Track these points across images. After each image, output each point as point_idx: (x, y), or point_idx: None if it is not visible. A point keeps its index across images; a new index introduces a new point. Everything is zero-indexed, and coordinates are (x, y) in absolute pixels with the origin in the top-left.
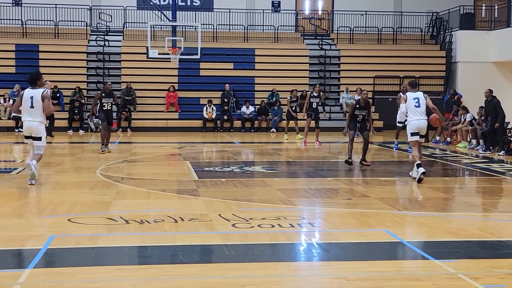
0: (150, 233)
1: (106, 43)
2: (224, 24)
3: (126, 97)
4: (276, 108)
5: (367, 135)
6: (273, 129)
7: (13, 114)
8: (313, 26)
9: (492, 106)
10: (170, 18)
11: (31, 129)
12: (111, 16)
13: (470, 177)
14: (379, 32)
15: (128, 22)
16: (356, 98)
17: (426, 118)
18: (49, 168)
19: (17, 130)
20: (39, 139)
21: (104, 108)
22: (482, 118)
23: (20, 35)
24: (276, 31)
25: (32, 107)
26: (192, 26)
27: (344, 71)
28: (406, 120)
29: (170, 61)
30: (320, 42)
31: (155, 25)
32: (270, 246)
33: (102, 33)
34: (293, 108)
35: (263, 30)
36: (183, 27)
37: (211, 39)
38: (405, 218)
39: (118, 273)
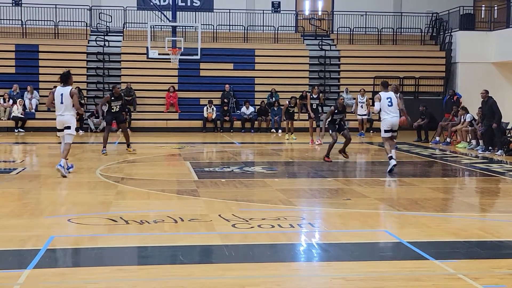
0: (150, 233)
1: (106, 43)
2: (224, 25)
3: (126, 98)
4: (276, 108)
5: (347, 133)
6: (278, 131)
7: (48, 107)
8: (313, 27)
9: (488, 107)
10: (170, 19)
11: (62, 122)
12: (111, 17)
13: (469, 178)
14: (379, 33)
15: (128, 23)
16: (359, 99)
17: (398, 115)
18: (49, 169)
19: (16, 131)
20: (69, 127)
21: (112, 111)
22: (482, 115)
23: (20, 35)
24: (276, 31)
25: (62, 103)
26: (192, 26)
27: (344, 72)
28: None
29: (170, 62)
30: (320, 43)
31: (155, 25)
32: (270, 247)
33: (102, 34)
34: (291, 111)
35: (263, 30)
36: (183, 27)
37: (211, 39)
38: (405, 218)
39: (118, 274)
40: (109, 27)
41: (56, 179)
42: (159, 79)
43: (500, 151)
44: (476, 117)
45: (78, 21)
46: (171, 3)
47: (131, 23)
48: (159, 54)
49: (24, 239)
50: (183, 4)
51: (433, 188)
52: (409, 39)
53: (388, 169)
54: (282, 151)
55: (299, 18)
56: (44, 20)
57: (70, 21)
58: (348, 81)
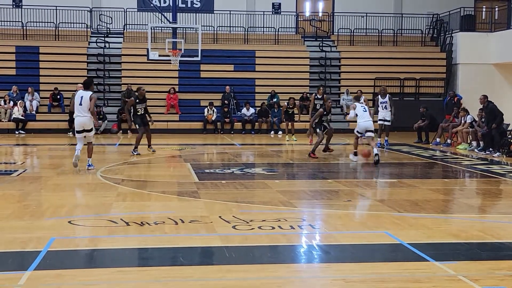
0: (151, 235)
1: (107, 45)
2: (224, 26)
3: (126, 99)
4: (276, 110)
5: (331, 132)
6: (278, 132)
7: (70, 111)
8: (313, 28)
9: (488, 111)
10: (171, 20)
11: (82, 124)
12: (111, 18)
13: (470, 179)
14: (380, 34)
15: (129, 24)
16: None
17: (372, 120)
18: (49, 170)
19: (17, 132)
20: (90, 130)
21: (138, 113)
22: (483, 120)
23: (20, 37)
24: (276, 33)
25: (80, 104)
26: (193, 28)
27: (344, 73)
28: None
29: (170, 63)
30: (321, 44)
31: (156, 27)
32: (270, 248)
33: (103, 35)
34: (290, 112)
35: (263, 32)
36: (184, 29)
37: (212, 41)
38: (405, 219)
39: (119, 275)
40: (109, 28)
41: (56, 181)
42: (159, 81)
43: (497, 153)
44: (477, 119)
45: (79, 23)
46: (171, 5)
47: (132, 24)
48: (159, 55)
49: (25, 241)
50: (184, 5)
51: (433, 189)
52: (410, 40)
53: (352, 162)
54: (282, 153)
55: (299, 19)
56: (45, 22)
57: (71, 22)
58: (348, 82)
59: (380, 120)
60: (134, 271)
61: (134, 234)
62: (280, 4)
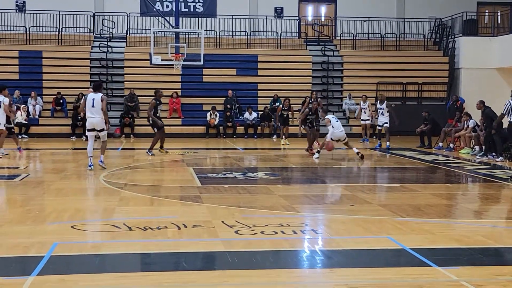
0: (153, 240)
1: (109, 49)
2: (227, 30)
3: (129, 103)
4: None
5: (316, 132)
6: (273, 136)
7: (81, 113)
8: (316, 32)
9: (485, 116)
10: (173, 25)
11: (94, 124)
12: (114, 23)
13: (473, 184)
14: (382, 38)
15: (131, 29)
16: (362, 105)
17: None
18: (52, 175)
19: (20, 137)
20: (102, 130)
21: (157, 115)
22: (484, 124)
23: (23, 42)
24: (279, 37)
25: (93, 106)
26: (195, 32)
27: (347, 77)
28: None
29: (173, 67)
30: (323, 48)
31: (158, 31)
32: (273, 253)
33: (105, 40)
34: (285, 115)
35: (266, 36)
36: (186, 33)
37: (214, 45)
38: (408, 224)
39: (121, 280)
40: (112, 33)
41: (59, 186)
42: (162, 85)
43: (500, 157)
44: (480, 123)
45: (82, 27)
46: (174, 9)
47: (134, 29)
48: (162, 60)
49: (28, 246)
50: (186, 10)
51: (436, 194)
52: (412, 44)
53: (314, 157)
54: (285, 157)
55: (302, 23)
56: (48, 26)
57: (74, 27)
58: (351, 86)
59: (378, 125)
60: (137, 276)
61: (137, 239)
62: (282, 8)
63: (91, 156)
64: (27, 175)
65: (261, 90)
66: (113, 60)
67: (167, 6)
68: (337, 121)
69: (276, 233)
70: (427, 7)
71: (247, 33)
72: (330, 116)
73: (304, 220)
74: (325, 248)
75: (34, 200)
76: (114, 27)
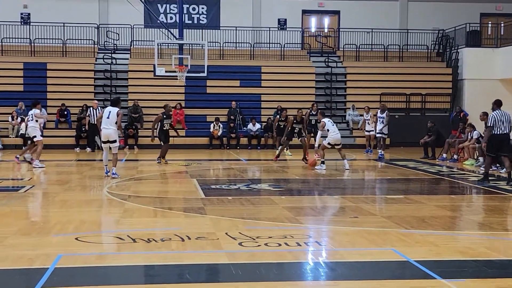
0: (157, 252)
1: (114, 61)
2: (230, 42)
3: (133, 115)
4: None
5: (304, 140)
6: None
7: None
8: (319, 44)
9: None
10: (177, 36)
11: (108, 135)
12: (118, 34)
13: (477, 195)
14: (385, 50)
15: (135, 40)
16: (365, 116)
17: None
18: (56, 186)
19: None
20: (114, 141)
21: (164, 129)
22: None
23: (28, 54)
24: (282, 48)
25: (108, 118)
26: (199, 44)
27: (350, 88)
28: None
29: (177, 79)
30: (326, 60)
31: (162, 43)
32: (277, 265)
33: (110, 51)
34: (281, 126)
35: (269, 47)
36: (190, 45)
37: (218, 56)
38: (412, 236)
39: None
40: (116, 44)
41: (64, 197)
42: (166, 96)
43: (503, 169)
44: (483, 134)
45: (86, 39)
46: (177, 21)
47: (138, 40)
48: (166, 71)
49: (32, 258)
50: (190, 22)
51: (440, 206)
52: (416, 55)
53: (320, 168)
54: (288, 168)
55: (305, 35)
56: (52, 38)
57: (78, 39)
58: (354, 97)
59: (378, 133)
60: None
61: (141, 251)
62: (286, 20)
63: (107, 165)
64: (32, 187)
65: (264, 101)
66: (117, 71)
67: (171, 18)
68: (333, 124)
69: (280, 245)
70: (430, 18)
71: (251, 45)
72: (326, 120)
73: (308, 232)
74: (329, 260)
75: (39, 212)
76: (118, 39)
